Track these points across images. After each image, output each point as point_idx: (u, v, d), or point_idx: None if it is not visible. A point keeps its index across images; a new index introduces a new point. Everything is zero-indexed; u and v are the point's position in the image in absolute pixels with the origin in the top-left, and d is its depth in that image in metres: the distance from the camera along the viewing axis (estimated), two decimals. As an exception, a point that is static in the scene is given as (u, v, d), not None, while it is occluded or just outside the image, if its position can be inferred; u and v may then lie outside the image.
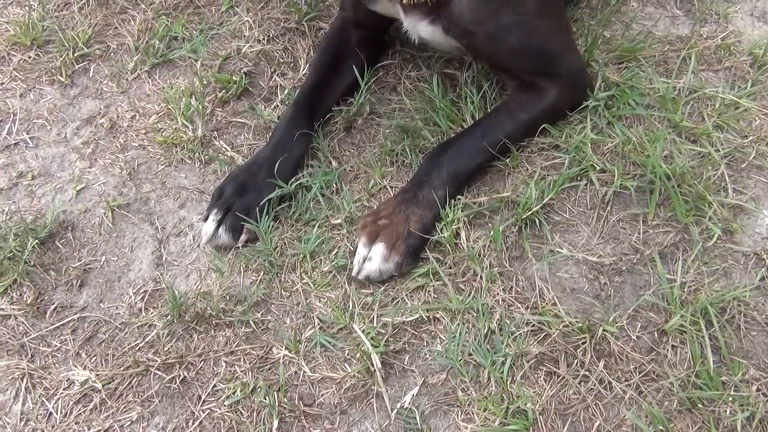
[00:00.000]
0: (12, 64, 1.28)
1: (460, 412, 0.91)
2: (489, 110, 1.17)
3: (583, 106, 1.18)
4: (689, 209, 1.08)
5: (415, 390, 0.93)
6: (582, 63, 1.17)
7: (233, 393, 0.91)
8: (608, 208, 1.11)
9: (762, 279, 1.03)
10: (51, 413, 0.91)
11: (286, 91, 1.25)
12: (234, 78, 1.25)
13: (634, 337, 0.97)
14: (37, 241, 1.03)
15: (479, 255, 1.03)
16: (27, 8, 1.36)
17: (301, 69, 1.28)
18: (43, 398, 0.92)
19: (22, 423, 0.90)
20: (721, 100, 1.23)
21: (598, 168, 1.12)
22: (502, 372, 0.92)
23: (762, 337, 0.98)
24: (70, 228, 1.08)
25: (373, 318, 0.98)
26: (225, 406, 0.91)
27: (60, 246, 1.06)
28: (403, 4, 1.02)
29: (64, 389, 0.93)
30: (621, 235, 1.08)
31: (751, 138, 1.19)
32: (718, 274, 1.03)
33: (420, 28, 1.08)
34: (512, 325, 0.97)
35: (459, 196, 1.08)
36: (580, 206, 1.11)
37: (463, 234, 1.05)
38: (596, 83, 1.22)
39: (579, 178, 1.13)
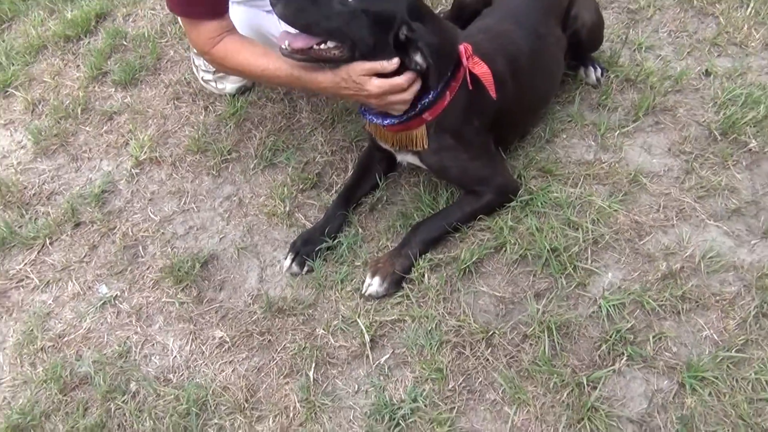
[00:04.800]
0: (186, 162, 2.23)
1: (408, 368, 1.72)
2: (451, 203, 2.01)
3: (508, 205, 1.99)
4: (561, 269, 1.86)
5: (387, 355, 1.75)
6: (506, 179, 1.97)
7: (293, 349, 1.77)
8: (515, 265, 1.90)
9: (593, 312, 1.79)
10: (203, 351, 1.80)
11: (338, 185, 2.13)
12: (310, 176, 2.14)
13: (510, 337, 1.75)
14: (199, 264, 1.95)
15: (433, 287, 1.85)
16: (195, 128, 2.32)
17: (348, 171, 2.16)
18: (201, 345, 1.81)
19: (191, 356, 1.80)
20: (598, 204, 2.00)
21: (512, 242, 1.92)
22: (433, 349, 1.73)
23: (584, 342, 1.73)
24: (216, 259, 1.99)
25: (371, 316, 1.81)
26: (289, 355, 1.77)
27: (210, 267, 1.97)
28: (396, 149, 1.89)
29: (211, 341, 1.82)
30: (519, 282, 1.86)
31: (613, 229, 1.95)
32: (568, 306, 1.80)
33: (408, 158, 1.93)
34: (444, 325, 1.78)
35: (426, 254, 1.91)
36: (499, 264, 1.91)
37: (426, 275, 1.87)
38: (522, 189, 2.03)
39: (500, 248, 1.93)
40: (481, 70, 1.74)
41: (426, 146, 1.81)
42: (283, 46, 1.65)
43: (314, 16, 1.60)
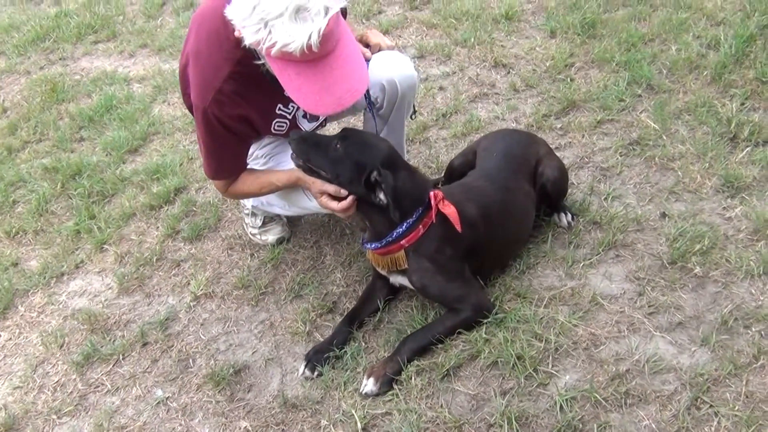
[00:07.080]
0: (232, 296, 2.80)
1: (393, 451, 2.09)
2: (435, 318, 2.45)
3: (484, 321, 2.41)
4: (524, 372, 2.23)
5: (377, 441, 2.14)
6: (480, 300, 2.41)
7: (302, 436, 2.18)
8: (488, 370, 2.28)
9: (550, 406, 2.13)
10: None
11: (350, 310, 2.62)
12: (327, 304, 2.64)
13: (477, 426, 2.09)
14: (233, 369, 2.43)
15: (417, 387, 2.25)
16: (241, 270, 2.91)
17: (358, 298, 2.66)
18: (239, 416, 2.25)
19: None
20: (561, 321, 2.39)
21: (486, 351, 2.32)
22: (414, 436, 2.10)
23: (539, 430, 2.07)
24: (248, 368, 2.46)
25: (366, 410, 2.21)
26: (298, 441, 2.17)
27: (242, 374, 2.44)
28: (387, 272, 2.41)
29: (237, 430, 2.25)
30: (489, 383, 2.24)
31: (572, 340, 2.33)
32: (529, 401, 2.15)
33: (398, 279, 2.44)
34: (425, 417, 2.15)
35: (413, 360, 2.33)
36: (474, 369, 2.30)
37: (412, 377, 2.27)
38: (497, 308, 2.45)
39: (475, 356, 2.33)
40: (448, 210, 2.27)
41: (406, 266, 2.32)
42: (294, 155, 2.35)
43: (314, 153, 2.29)
